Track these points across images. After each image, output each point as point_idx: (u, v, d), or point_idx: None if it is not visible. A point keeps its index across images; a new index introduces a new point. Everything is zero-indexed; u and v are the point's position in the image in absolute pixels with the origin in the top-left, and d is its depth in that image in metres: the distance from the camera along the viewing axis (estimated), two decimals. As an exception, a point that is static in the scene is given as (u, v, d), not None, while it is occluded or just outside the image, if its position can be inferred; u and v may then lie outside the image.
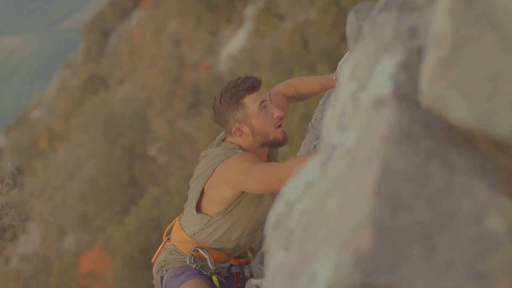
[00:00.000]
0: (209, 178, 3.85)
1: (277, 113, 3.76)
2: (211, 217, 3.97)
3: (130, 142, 31.11)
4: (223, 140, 3.99)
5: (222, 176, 3.78)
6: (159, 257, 4.34)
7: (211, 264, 4.09)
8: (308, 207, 1.49)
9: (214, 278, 4.11)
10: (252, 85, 3.75)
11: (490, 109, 1.19)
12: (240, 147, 3.83)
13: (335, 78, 4.14)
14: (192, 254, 4.10)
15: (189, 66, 34.03)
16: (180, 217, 4.27)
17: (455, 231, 1.19)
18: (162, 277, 4.25)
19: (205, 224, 4.01)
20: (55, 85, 66.44)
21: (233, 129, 3.79)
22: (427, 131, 1.28)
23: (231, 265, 4.19)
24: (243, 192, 3.84)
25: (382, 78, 1.39)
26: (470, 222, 1.20)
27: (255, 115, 3.74)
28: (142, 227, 22.44)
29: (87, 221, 30.40)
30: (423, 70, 1.25)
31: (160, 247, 4.36)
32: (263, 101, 3.75)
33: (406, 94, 1.36)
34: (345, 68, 1.59)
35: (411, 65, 1.37)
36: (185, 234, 4.13)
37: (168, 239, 4.33)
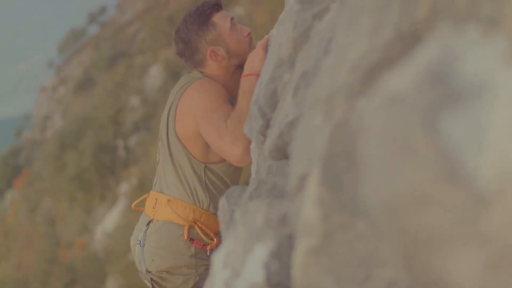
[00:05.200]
0: (176, 112, 3.37)
1: (247, 29, 3.43)
2: (205, 164, 3.42)
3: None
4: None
5: (184, 107, 3.33)
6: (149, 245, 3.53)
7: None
8: None
9: None
10: (217, 3, 3.39)
11: (363, 294, 1.19)
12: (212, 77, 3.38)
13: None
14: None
15: (64, 245, 33.41)
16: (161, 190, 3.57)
17: None
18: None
19: (204, 172, 3.41)
20: None
21: (208, 53, 3.35)
22: (302, 319, 1.26)
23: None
24: None
25: (255, 266, 1.39)
26: None
27: (229, 33, 3.36)
28: None
29: None
30: (294, 257, 1.24)
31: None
32: (232, 18, 3.40)
33: (279, 282, 1.35)
34: (219, 254, 1.58)
35: (283, 252, 1.37)
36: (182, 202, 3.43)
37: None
